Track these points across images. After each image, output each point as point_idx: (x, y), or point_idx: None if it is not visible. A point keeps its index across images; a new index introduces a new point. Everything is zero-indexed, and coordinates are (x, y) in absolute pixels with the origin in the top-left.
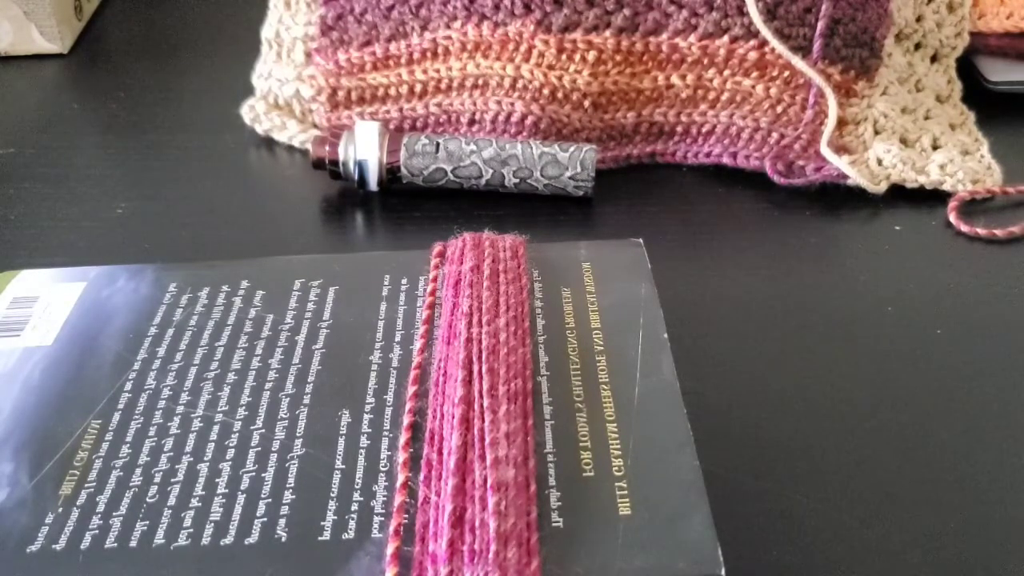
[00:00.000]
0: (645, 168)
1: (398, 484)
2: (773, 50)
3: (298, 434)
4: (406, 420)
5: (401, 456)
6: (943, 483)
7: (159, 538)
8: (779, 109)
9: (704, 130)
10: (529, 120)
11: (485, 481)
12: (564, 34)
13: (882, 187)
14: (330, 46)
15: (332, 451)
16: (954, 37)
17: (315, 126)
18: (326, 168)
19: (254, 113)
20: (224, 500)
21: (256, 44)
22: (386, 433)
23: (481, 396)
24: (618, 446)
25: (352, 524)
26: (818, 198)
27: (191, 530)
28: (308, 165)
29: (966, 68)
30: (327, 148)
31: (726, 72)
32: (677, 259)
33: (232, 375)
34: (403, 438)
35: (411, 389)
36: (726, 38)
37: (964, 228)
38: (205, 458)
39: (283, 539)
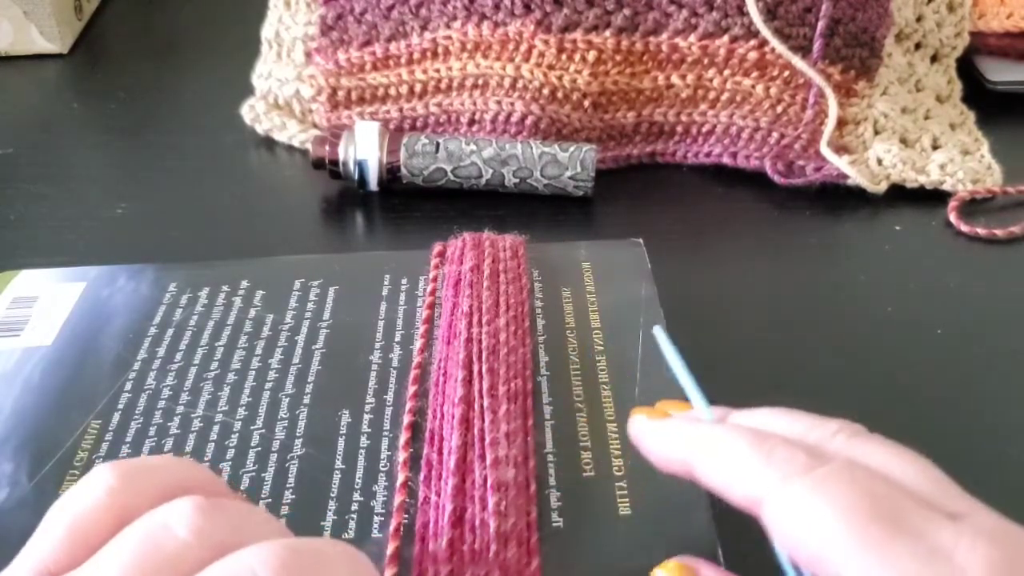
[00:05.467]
0: (645, 168)
1: (398, 484)
2: (773, 50)
3: (298, 434)
4: (406, 420)
5: (401, 456)
6: None
7: None
8: (779, 109)
9: (704, 130)
10: (529, 120)
11: (485, 481)
12: (564, 34)
13: (882, 187)
14: (330, 46)
15: (332, 451)
16: (954, 37)
17: (315, 126)
18: (326, 168)
19: (254, 113)
20: None
21: (256, 44)
22: (386, 433)
23: (481, 396)
24: (618, 446)
25: (352, 524)
26: (818, 198)
27: None
28: (308, 165)
29: (966, 68)
30: (327, 148)
31: (726, 72)
32: (677, 259)
33: (232, 375)
34: (403, 437)
35: (411, 389)
36: (726, 38)
37: (964, 228)
38: (205, 458)
39: None
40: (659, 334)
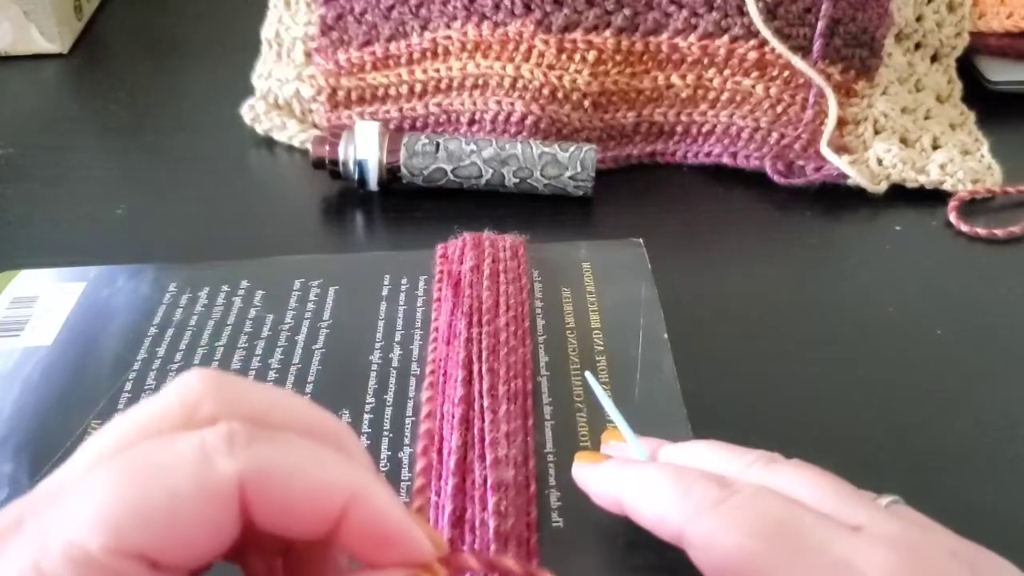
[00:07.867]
0: (645, 168)
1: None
2: (773, 50)
3: None
4: (425, 409)
5: (420, 463)
6: (943, 482)
7: None
8: (779, 109)
9: (704, 130)
10: (529, 120)
11: (485, 481)
12: (564, 34)
13: (882, 187)
14: (330, 46)
15: None
16: (954, 37)
17: (315, 126)
18: (326, 168)
19: (254, 113)
20: None
21: (256, 44)
22: (386, 433)
23: (481, 396)
24: None
25: None
26: (818, 198)
27: None
28: (308, 165)
29: (966, 68)
30: (327, 148)
31: (726, 72)
32: (677, 259)
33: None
34: (420, 445)
35: (427, 382)
36: (726, 38)
37: (964, 228)
38: None
39: None
40: (590, 379)
